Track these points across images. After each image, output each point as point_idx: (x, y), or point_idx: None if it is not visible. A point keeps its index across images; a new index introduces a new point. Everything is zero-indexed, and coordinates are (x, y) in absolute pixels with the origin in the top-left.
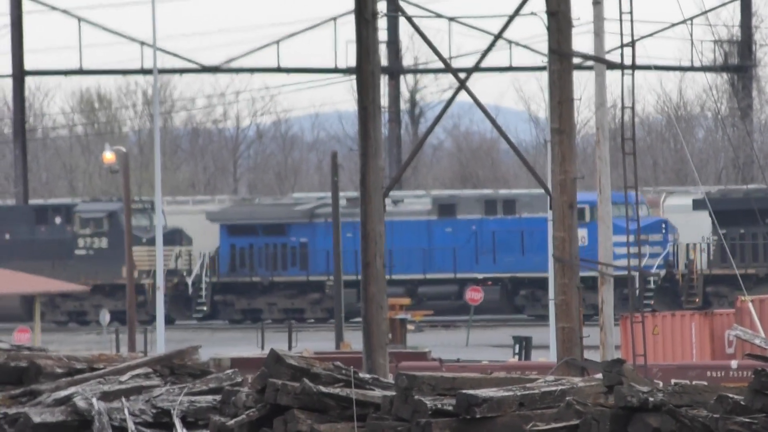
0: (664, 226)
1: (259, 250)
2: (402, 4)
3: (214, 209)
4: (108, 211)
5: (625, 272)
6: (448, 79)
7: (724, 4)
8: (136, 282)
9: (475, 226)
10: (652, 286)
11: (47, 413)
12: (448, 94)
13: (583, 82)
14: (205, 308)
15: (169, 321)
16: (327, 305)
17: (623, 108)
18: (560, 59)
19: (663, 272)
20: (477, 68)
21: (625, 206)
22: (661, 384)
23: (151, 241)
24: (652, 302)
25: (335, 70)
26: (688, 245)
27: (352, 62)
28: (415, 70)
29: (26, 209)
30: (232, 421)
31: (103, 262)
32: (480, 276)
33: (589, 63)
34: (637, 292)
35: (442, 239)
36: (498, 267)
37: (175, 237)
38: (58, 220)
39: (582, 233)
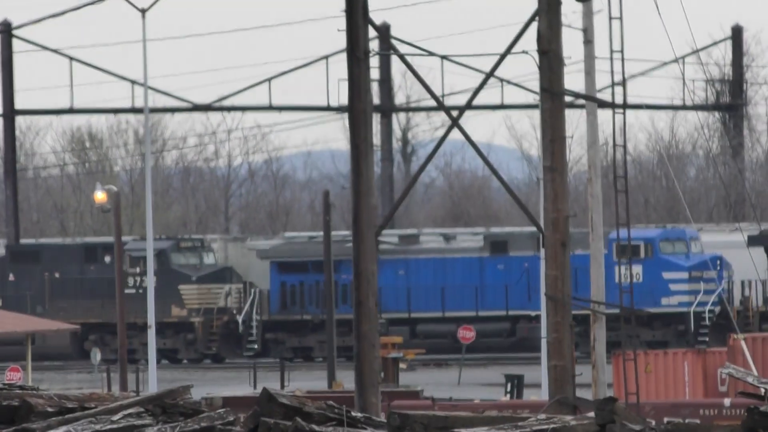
0: (719, 262)
1: (310, 287)
2: (394, 42)
3: (265, 247)
4: (157, 250)
5: (617, 310)
6: (441, 117)
7: (715, 43)
8: (185, 320)
9: (528, 263)
10: (707, 323)
11: None
12: (440, 132)
13: (575, 120)
14: (255, 346)
15: (218, 359)
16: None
17: (615, 146)
18: (552, 98)
19: (718, 309)
20: (469, 106)
21: (681, 243)
22: (653, 422)
23: (201, 279)
24: (707, 339)
25: (327, 108)
26: (743, 282)
27: (344, 100)
28: (407, 109)
29: (76, 247)
30: None
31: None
32: (533, 313)
33: (581, 101)
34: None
35: (494, 276)
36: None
37: (225, 275)
38: (107, 258)
39: (636, 270)
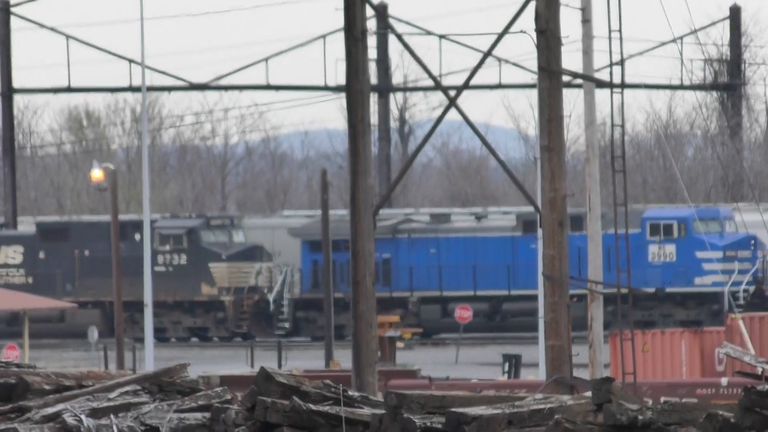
0: (753, 242)
1: (342, 265)
2: (392, 21)
3: (296, 225)
4: (187, 228)
5: (614, 289)
6: (438, 97)
7: (713, 23)
8: (215, 298)
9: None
10: (741, 302)
11: (36, 429)
12: (438, 112)
13: (572, 100)
14: (286, 325)
15: (249, 338)
16: (410, 321)
17: (613, 126)
18: (549, 77)
19: (752, 288)
20: (467, 86)
21: (715, 222)
22: (650, 402)
23: (231, 258)
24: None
25: (324, 88)
26: None
27: (341, 80)
28: (404, 88)
29: (105, 225)
30: None
31: (182, 278)
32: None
33: (579, 81)
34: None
35: (527, 255)
36: (585, 283)
37: (255, 253)
38: (137, 236)
39: (670, 249)
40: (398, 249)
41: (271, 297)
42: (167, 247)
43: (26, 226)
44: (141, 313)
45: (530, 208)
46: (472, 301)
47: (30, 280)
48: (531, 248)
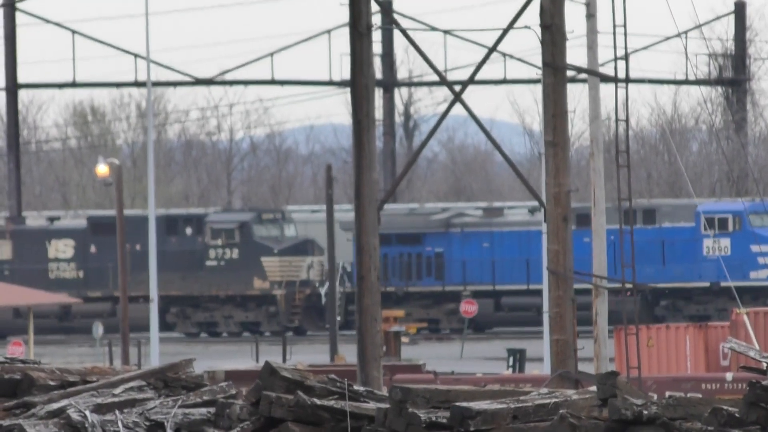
0: None
1: (394, 259)
2: (396, 17)
3: (348, 218)
4: (239, 222)
5: (620, 284)
6: (443, 92)
7: (718, 18)
8: (267, 292)
9: (613, 236)
10: None
11: (41, 425)
12: (443, 107)
13: (577, 95)
14: (338, 318)
15: (301, 332)
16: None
17: (617, 121)
18: (554, 72)
19: None
20: (472, 81)
21: None
22: (655, 396)
23: (283, 252)
24: None
25: (329, 83)
26: None
27: (346, 75)
28: (409, 83)
29: (157, 220)
30: None
31: (234, 273)
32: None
33: (583, 76)
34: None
35: (580, 249)
36: (638, 277)
37: (306, 247)
38: (188, 230)
39: (725, 243)
40: (451, 243)
41: (323, 291)
42: (219, 242)
43: (77, 219)
44: (192, 308)
45: (583, 203)
46: (525, 295)
47: (81, 274)
48: (584, 242)
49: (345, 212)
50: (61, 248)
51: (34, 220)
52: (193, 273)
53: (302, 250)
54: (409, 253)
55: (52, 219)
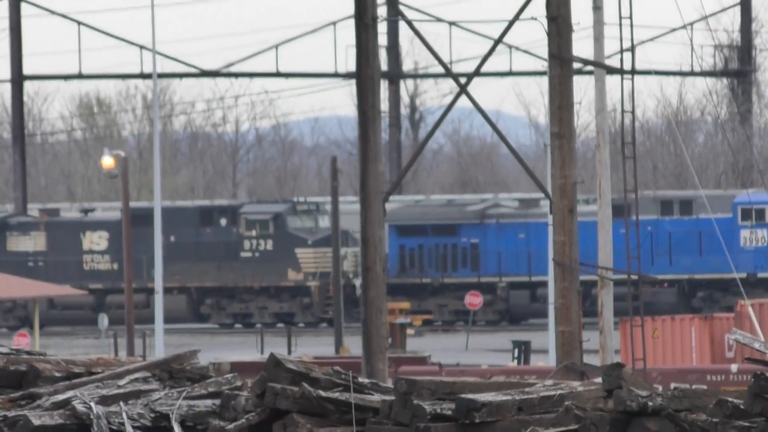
0: None
1: (430, 250)
2: (402, 8)
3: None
4: (274, 213)
5: (625, 276)
6: (449, 84)
7: (724, 9)
8: (302, 284)
9: (651, 227)
10: None
11: (46, 416)
12: (448, 99)
13: (583, 87)
14: None
15: (335, 323)
16: (499, 307)
17: (623, 112)
18: (560, 64)
19: None
20: (477, 73)
21: None
22: (660, 388)
23: (317, 243)
24: None
25: (335, 75)
26: None
27: (351, 67)
28: (415, 75)
29: (192, 211)
30: (232, 426)
31: (269, 264)
32: (657, 277)
33: (589, 68)
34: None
35: (617, 240)
36: (674, 268)
37: (342, 238)
38: (223, 221)
39: (762, 234)
40: (486, 234)
41: (357, 282)
42: (253, 233)
43: (111, 211)
44: (228, 299)
45: (620, 193)
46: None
47: (115, 266)
48: (620, 233)
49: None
50: (96, 240)
51: (68, 212)
52: (228, 264)
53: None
54: (444, 244)
55: (86, 211)
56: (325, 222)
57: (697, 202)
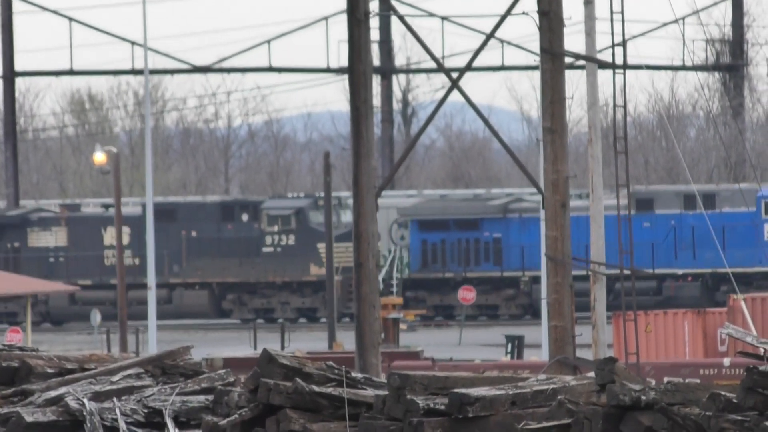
0: None
1: (452, 245)
2: (394, 3)
3: (406, 204)
4: (295, 208)
5: (617, 271)
6: (441, 79)
7: (715, 4)
8: (324, 278)
9: (674, 221)
10: None
11: (39, 413)
12: (441, 94)
13: (575, 82)
14: None
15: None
16: (522, 301)
17: (615, 107)
18: (552, 59)
19: None
20: (469, 68)
21: None
22: (653, 382)
23: (340, 238)
24: None
25: (327, 70)
26: None
27: (344, 62)
28: (407, 70)
29: (213, 206)
30: (225, 421)
31: (291, 259)
32: (679, 272)
33: (581, 62)
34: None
35: (640, 234)
36: (698, 263)
37: None
38: (245, 217)
39: None
40: (509, 228)
41: (380, 276)
42: (275, 228)
43: (132, 207)
44: (250, 295)
45: (644, 187)
46: (585, 280)
47: (137, 261)
48: (644, 227)
49: (399, 198)
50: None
51: (89, 207)
52: (250, 259)
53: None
54: (467, 238)
55: (107, 206)
56: (347, 216)
57: (720, 196)
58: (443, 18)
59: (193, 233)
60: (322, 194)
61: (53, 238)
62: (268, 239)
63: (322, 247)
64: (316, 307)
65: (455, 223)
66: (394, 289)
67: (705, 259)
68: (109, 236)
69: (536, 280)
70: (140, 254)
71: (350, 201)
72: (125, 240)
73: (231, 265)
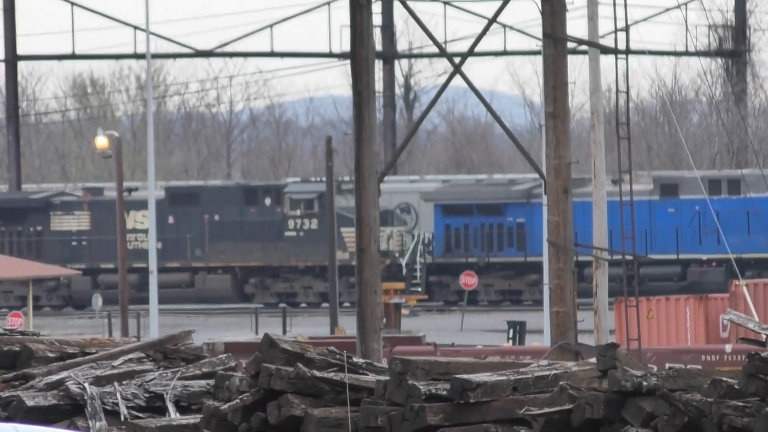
0: None
1: (475, 230)
2: None
3: (430, 189)
4: (318, 192)
5: (620, 256)
6: (443, 64)
7: None
8: (347, 263)
9: (698, 207)
10: None
11: (40, 397)
12: (443, 79)
13: (577, 67)
14: (419, 289)
15: None
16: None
17: (618, 92)
18: (554, 44)
19: None
20: (472, 53)
21: None
22: (655, 368)
23: None
24: None
25: (329, 55)
26: None
27: (346, 47)
28: (409, 55)
29: (236, 190)
30: (226, 406)
31: (314, 243)
32: (704, 257)
33: (584, 47)
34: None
35: (665, 220)
36: (722, 248)
37: (386, 217)
38: (267, 201)
39: None
40: (533, 214)
41: (404, 261)
42: (298, 212)
43: (156, 191)
44: (272, 279)
45: (668, 172)
46: (610, 265)
47: (159, 245)
48: (669, 212)
49: (428, 182)
50: (140, 219)
51: (111, 191)
52: (273, 244)
53: (382, 221)
54: (490, 223)
55: (130, 190)
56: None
57: (745, 181)
58: (446, 2)
59: (216, 217)
60: (346, 178)
61: (76, 222)
62: (291, 223)
63: (345, 231)
64: (340, 292)
65: (479, 208)
66: (418, 274)
67: (730, 244)
68: (132, 220)
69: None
70: (162, 238)
71: None
72: (147, 224)
73: (254, 248)
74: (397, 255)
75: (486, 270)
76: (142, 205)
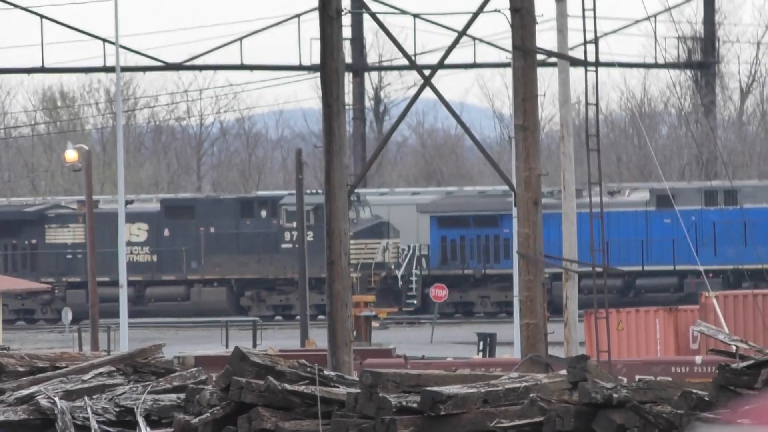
0: None
1: (471, 241)
2: (366, 0)
3: (424, 201)
4: (314, 204)
5: (590, 268)
6: (413, 76)
7: (687, 1)
8: None
9: (695, 217)
10: None
11: (10, 412)
12: (413, 91)
13: (547, 79)
14: (415, 301)
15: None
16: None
17: (587, 104)
18: (524, 56)
19: None
20: (441, 65)
21: None
22: (625, 380)
23: (358, 234)
24: None
25: (299, 68)
26: None
27: (316, 59)
28: (379, 68)
29: (232, 202)
30: (197, 420)
31: (309, 255)
32: (701, 268)
33: (553, 60)
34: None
35: (661, 231)
36: (719, 259)
37: (382, 230)
38: (263, 213)
39: None
40: None
41: (399, 273)
42: (294, 224)
43: (151, 203)
44: (268, 291)
45: (664, 183)
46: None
47: (154, 257)
48: (665, 223)
49: (422, 195)
50: (135, 232)
51: (107, 203)
52: (268, 256)
53: (377, 233)
54: (486, 235)
55: (126, 202)
56: (366, 213)
57: (742, 192)
58: (415, 15)
59: (212, 229)
60: None
61: (71, 235)
62: (287, 235)
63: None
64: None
65: (475, 220)
66: (413, 286)
67: (726, 255)
68: (127, 233)
69: (557, 276)
70: (158, 251)
71: (369, 198)
72: (142, 237)
73: (250, 261)
74: (392, 267)
75: (482, 282)
76: (136, 217)
